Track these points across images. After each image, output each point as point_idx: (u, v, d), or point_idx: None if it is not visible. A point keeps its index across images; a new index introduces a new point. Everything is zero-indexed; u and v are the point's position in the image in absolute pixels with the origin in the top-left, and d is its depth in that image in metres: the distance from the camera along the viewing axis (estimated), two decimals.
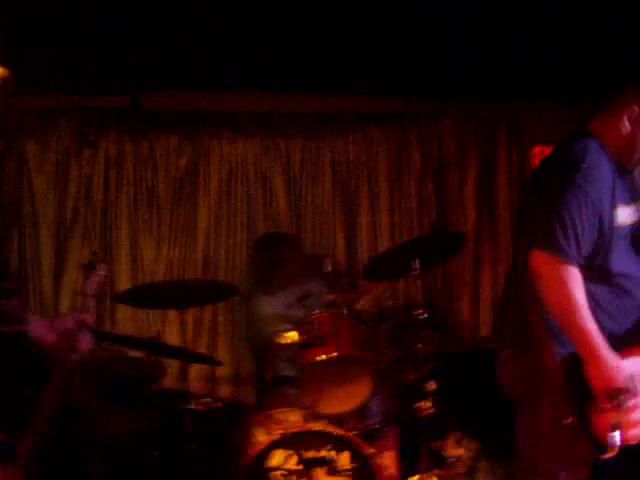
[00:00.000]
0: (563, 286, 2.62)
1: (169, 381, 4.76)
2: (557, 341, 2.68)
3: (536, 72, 5.03)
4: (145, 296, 4.40)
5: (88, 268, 2.81)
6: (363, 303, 4.57)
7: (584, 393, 2.60)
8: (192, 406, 4.01)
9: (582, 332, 2.59)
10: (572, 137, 2.87)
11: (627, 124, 2.78)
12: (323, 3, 4.27)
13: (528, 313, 2.73)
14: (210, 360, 4.95)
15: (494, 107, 5.62)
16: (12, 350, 1.76)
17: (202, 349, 5.24)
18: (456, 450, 4.38)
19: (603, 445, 2.53)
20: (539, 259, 2.65)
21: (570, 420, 2.60)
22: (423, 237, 4.80)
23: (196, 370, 5.02)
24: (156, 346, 4.33)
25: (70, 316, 2.51)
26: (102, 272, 2.84)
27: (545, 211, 2.69)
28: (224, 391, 5.22)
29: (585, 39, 4.61)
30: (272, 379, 4.70)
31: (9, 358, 1.76)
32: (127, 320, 5.23)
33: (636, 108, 2.77)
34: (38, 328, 2.31)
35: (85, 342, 2.43)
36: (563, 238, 2.63)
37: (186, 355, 4.17)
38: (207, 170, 5.44)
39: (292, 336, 3.92)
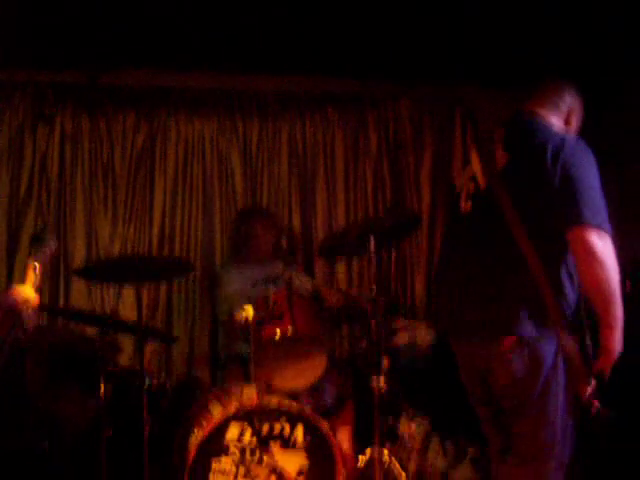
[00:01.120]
0: (614, 259, 2.75)
1: (124, 359, 4.77)
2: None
3: (487, 59, 5.11)
4: (101, 271, 4.37)
5: (36, 240, 2.72)
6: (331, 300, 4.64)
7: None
8: (147, 384, 3.99)
9: (619, 301, 2.75)
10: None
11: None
12: None
13: (546, 299, 2.78)
14: (166, 337, 4.95)
15: (450, 90, 5.68)
16: None
17: (159, 324, 5.26)
18: (409, 427, 4.47)
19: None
20: (595, 235, 2.72)
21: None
22: (378, 217, 4.85)
23: (151, 348, 5.01)
24: (112, 322, 4.31)
25: (14, 292, 2.45)
26: (51, 244, 2.76)
27: (586, 192, 2.77)
28: (179, 369, 5.23)
29: (531, 33, 4.71)
30: (228, 356, 4.74)
31: None
32: (82, 297, 5.21)
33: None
34: None
35: (30, 319, 2.38)
36: (606, 213, 2.77)
37: (142, 331, 4.15)
38: (164, 148, 5.43)
39: (248, 313, 3.93)
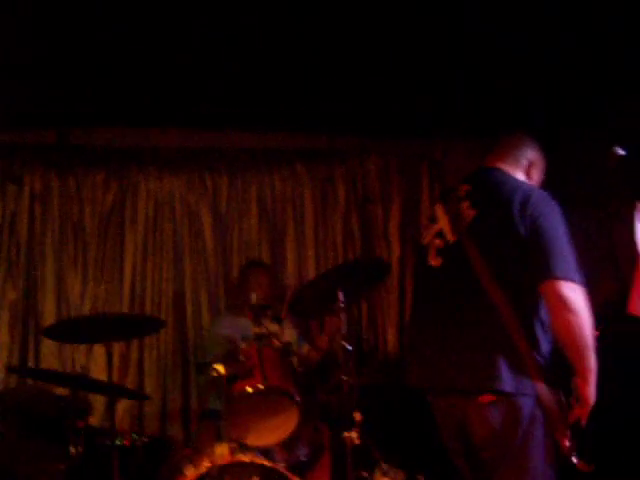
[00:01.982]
0: (586, 310, 2.82)
1: (95, 419, 4.73)
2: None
3: (456, 112, 5.21)
4: (71, 330, 4.34)
5: None
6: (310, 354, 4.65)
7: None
8: (118, 442, 3.95)
9: (592, 352, 2.81)
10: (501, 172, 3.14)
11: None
12: (245, 40, 4.36)
13: (522, 351, 2.83)
14: (137, 395, 4.91)
15: (416, 145, 5.79)
16: None
17: (128, 385, 5.21)
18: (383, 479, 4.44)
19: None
20: (567, 288, 2.79)
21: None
22: (345, 265, 4.88)
23: (123, 407, 4.99)
24: (82, 381, 4.28)
25: None
26: None
27: (555, 243, 2.85)
28: (152, 427, 5.18)
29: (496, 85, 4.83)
30: (200, 413, 4.71)
31: None
32: (52, 355, 5.17)
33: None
34: None
35: None
36: (575, 263, 2.84)
37: (113, 390, 4.12)
38: (134, 206, 5.45)
39: (219, 369, 3.91)
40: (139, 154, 5.51)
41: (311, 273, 5.58)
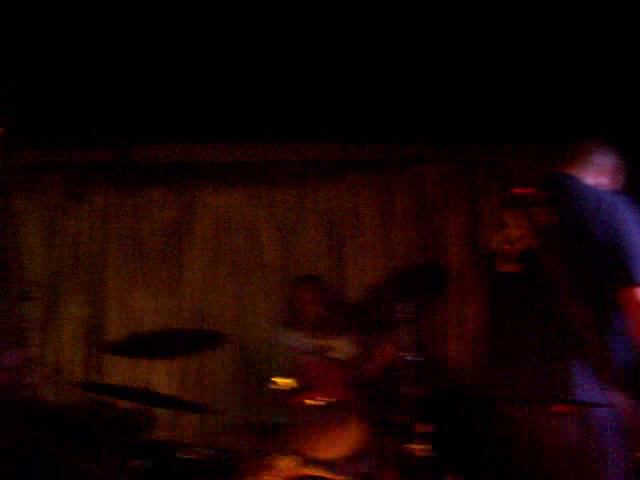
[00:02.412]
0: None
1: (160, 432, 4.76)
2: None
3: (514, 116, 5.13)
4: (134, 346, 4.39)
5: (23, 299, 2.72)
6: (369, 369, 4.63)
7: None
8: (184, 455, 3.96)
9: None
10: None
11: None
12: (303, 54, 4.38)
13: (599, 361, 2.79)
14: (198, 408, 4.92)
15: (475, 150, 5.71)
16: None
17: (196, 397, 5.27)
18: None
19: None
20: None
21: None
22: (405, 276, 4.85)
23: (187, 420, 5.02)
24: (145, 396, 4.31)
25: (10, 352, 2.45)
26: (37, 301, 2.76)
27: (633, 249, 2.81)
28: (216, 441, 5.19)
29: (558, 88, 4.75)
30: (266, 425, 4.70)
31: None
32: (115, 370, 5.23)
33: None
34: None
35: (28, 377, 2.37)
36: None
37: (175, 404, 4.15)
38: (193, 221, 5.51)
39: (284, 382, 3.92)
40: (198, 169, 5.56)
41: (373, 283, 5.53)
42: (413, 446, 3.90)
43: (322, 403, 3.90)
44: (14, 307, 2.64)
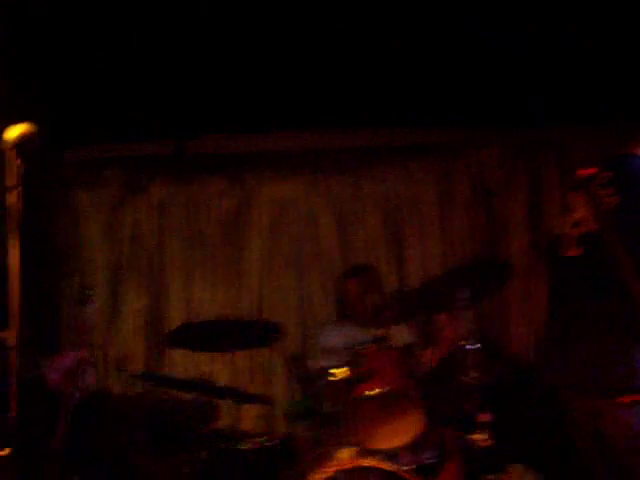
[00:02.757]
0: None
1: (224, 421, 4.79)
2: None
3: (579, 96, 4.99)
4: (196, 337, 4.42)
5: (81, 302, 2.74)
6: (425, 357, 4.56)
7: None
8: (244, 446, 3.99)
9: None
10: None
11: None
12: (359, 41, 4.32)
13: None
14: (261, 399, 4.93)
15: (539, 132, 5.56)
16: (34, 394, 1.76)
17: (256, 388, 5.27)
18: None
19: None
20: None
21: None
22: (463, 267, 4.76)
23: (251, 410, 5.04)
24: (205, 387, 4.34)
25: (69, 353, 2.47)
26: (94, 305, 2.78)
27: None
28: (280, 430, 5.20)
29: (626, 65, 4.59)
30: (324, 415, 4.68)
31: (31, 402, 1.76)
32: (180, 361, 5.28)
33: None
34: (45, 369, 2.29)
35: (87, 377, 2.38)
36: None
37: (237, 395, 4.17)
38: (253, 211, 5.53)
39: (342, 371, 3.88)
40: (257, 159, 5.57)
41: (436, 271, 5.46)
42: (475, 435, 3.83)
43: (381, 393, 3.84)
44: (74, 307, 2.68)
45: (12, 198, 1.58)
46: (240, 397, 4.42)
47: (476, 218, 5.57)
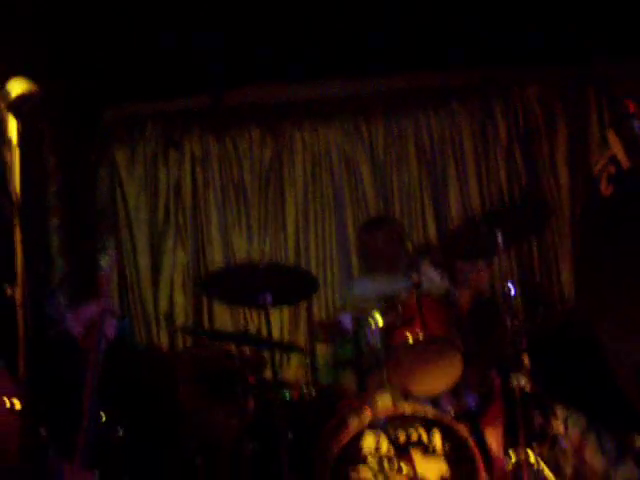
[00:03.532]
0: None
1: (268, 372, 4.84)
2: None
3: (613, 31, 4.81)
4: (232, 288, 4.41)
5: (99, 251, 2.72)
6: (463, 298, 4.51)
7: None
8: (287, 396, 4.03)
9: None
10: None
11: None
12: None
13: None
14: (294, 348, 4.95)
15: (579, 67, 5.38)
16: (60, 350, 1.79)
17: (301, 340, 5.31)
18: (560, 426, 4.26)
19: None
20: None
21: None
22: (500, 209, 4.68)
23: (293, 359, 5.07)
24: (249, 338, 4.39)
25: (91, 304, 2.48)
26: (113, 255, 2.76)
27: None
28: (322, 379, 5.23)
29: None
30: (366, 363, 4.69)
31: (58, 358, 1.78)
32: (224, 314, 5.34)
33: None
34: (68, 322, 2.30)
35: (110, 328, 2.40)
36: None
37: (276, 346, 4.18)
38: (291, 161, 5.50)
39: (377, 319, 3.87)
40: (292, 108, 5.53)
41: (476, 212, 5.38)
42: (517, 379, 3.79)
43: (422, 339, 3.83)
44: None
45: (9, 156, 1.58)
46: (280, 347, 4.44)
47: (516, 159, 5.44)
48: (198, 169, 5.46)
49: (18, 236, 1.59)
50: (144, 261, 5.37)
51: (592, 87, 5.43)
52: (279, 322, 5.29)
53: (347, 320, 4.71)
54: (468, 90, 5.49)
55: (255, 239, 5.43)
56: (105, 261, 2.70)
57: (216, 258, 5.41)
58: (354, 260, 5.41)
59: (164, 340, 5.31)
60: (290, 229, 5.45)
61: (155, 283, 5.36)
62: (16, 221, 1.59)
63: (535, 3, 4.61)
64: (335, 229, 5.44)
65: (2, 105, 1.63)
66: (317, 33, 4.79)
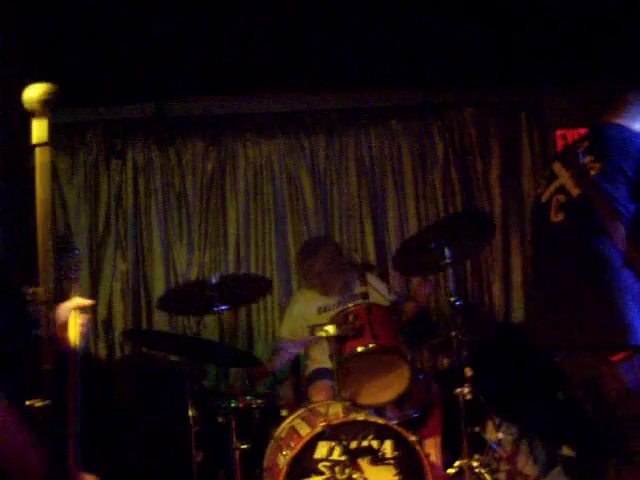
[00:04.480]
0: None
1: (208, 381, 4.85)
2: None
3: (554, 56, 5.05)
4: (180, 301, 4.42)
5: (63, 250, 2.68)
6: (407, 309, 4.64)
7: None
8: (233, 404, 4.02)
9: None
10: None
11: None
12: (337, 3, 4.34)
13: None
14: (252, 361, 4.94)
15: (514, 93, 5.64)
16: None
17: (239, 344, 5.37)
18: (496, 434, 4.42)
19: None
20: None
21: None
22: (449, 219, 4.85)
23: (233, 369, 5.09)
24: (194, 345, 4.33)
25: (64, 306, 2.44)
26: (77, 252, 2.73)
27: None
28: (262, 389, 5.26)
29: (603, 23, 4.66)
30: (310, 373, 4.76)
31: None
32: (163, 322, 5.33)
33: None
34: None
35: (86, 326, 2.38)
36: None
37: (226, 354, 4.14)
38: (234, 172, 5.53)
39: (328, 330, 3.94)
40: (236, 121, 5.56)
41: (413, 229, 5.54)
42: (460, 389, 3.93)
43: (371, 349, 3.90)
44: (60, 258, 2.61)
45: (42, 156, 1.61)
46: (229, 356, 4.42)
47: (457, 179, 5.63)
48: (140, 178, 5.44)
49: (40, 233, 1.61)
50: (83, 269, 5.29)
51: (524, 110, 5.67)
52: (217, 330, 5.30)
53: (286, 342, 4.80)
54: (408, 110, 5.65)
55: (195, 249, 5.44)
56: (73, 260, 2.66)
57: (156, 268, 5.39)
58: (294, 272, 5.48)
59: (102, 348, 5.25)
60: (231, 240, 5.47)
61: (94, 291, 5.29)
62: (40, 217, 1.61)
63: (471, 29, 4.79)
64: (275, 241, 5.50)
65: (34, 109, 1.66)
66: (263, 49, 4.86)
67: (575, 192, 3.06)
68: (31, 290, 1.69)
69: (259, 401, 4.36)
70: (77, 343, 2.19)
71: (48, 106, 1.66)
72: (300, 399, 4.86)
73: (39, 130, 1.64)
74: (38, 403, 1.63)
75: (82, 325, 2.43)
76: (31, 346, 1.73)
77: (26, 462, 1.49)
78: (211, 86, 5.27)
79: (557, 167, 3.21)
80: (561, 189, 3.13)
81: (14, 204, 4.67)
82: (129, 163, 5.44)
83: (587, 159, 3.01)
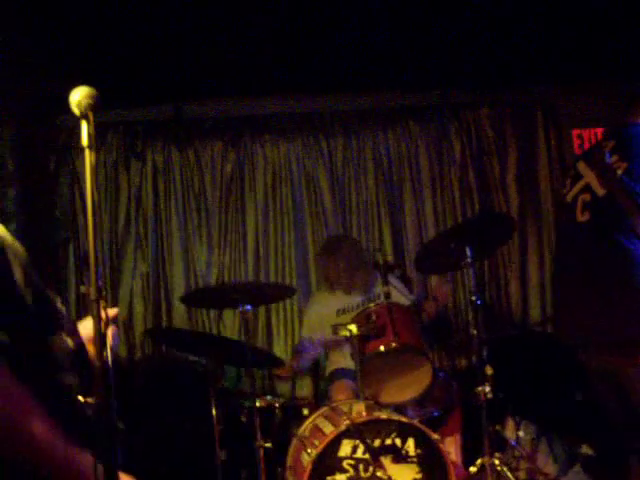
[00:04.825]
0: None
1: (228, 381, 4.89)
2: None
3: (570, 56, 5.07)
4: (203, 299, 4.48)
5: (68, 242, 2.61)
6: (428, 309, 4.66)
7: None
8: (255, 404, 4.05)
9: None
10: None
11: None
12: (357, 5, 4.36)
13: None
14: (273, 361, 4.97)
15: (530, 93, 5.66)
16: (79, 360, 1.77)
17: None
18: (515, 433, 4.45)
19: None
20: None
21: None
22: (470, 222, 4.87)
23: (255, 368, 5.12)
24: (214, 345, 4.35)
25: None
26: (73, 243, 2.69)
27: None
28: (282, 389, 5.31)
29: (619, 22, 4.67)
30: (330, 373, 4.79)
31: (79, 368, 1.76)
32: (184, 323, 5.36)
33: None
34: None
35: (115, 338, 2.39)
36: None
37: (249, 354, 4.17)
38: (252, 174, 5.56)
39: (351, 329, 3.97)
40: (254, 122, 5.59)
41: (430, 230, 5.58)
42: (481, 388, 3.94)
43: (393, 348, 3.93)
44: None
45: (91, 157, 1.64)
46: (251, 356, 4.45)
47: (470, 179, 5.66)
48: (159, 179, 5.48)
49: (91, 236, 1.63)
50: (103, 270, 5.33)
51: (540, 109, 5.70)
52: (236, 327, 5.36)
53: (307, 343, 4.83)
54: (425, 111, 5.68)
55: (215, 250, 5.47)
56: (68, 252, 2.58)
57: (176, 268, 5.43)
58: (312, 272, 5.52)
59: (122, 348, 5.29)
60: (250, 241, 5.51)
61: (114, 292, 5.33)
62: (90, 219, 1.64)
63: (489, 29, 4.81)
64: (294, 241, 5.53)
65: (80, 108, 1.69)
66: (282, 51, 4.88)
67: (601, 191, 3.11)
68: (81, 289, 1.72)
69: (280, 400, 4.41)
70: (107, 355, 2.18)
71: (93, 109, 1.68)
72: (320, 399, 4.90)
73: (87, 132, 1.67)
74: (91, 400, 1.66)
75: (111, 337, 2.44)
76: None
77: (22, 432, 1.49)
78: (229, 87, 5.30)
79: (582, 167, 3.26)
80: (586, 188, 3.18)
81: (28, 207, 4.72)
82: (149, 164, 5.48)
83: (613, 159, 3.06)
